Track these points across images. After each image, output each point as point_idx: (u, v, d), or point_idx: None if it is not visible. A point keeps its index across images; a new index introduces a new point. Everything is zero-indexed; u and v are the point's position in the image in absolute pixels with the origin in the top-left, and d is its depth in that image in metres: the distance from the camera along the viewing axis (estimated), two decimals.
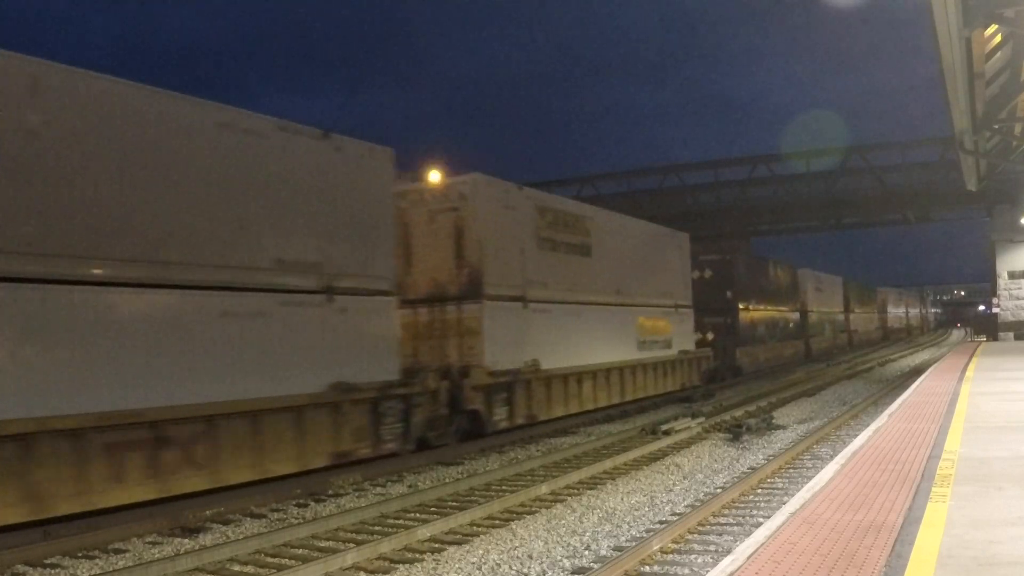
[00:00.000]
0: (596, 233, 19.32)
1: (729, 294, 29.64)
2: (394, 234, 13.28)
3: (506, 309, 15.50)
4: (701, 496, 10.41)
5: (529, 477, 11.84)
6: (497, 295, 15.26)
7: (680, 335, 24.07)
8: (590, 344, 18.49)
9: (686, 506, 9.88)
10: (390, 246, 13.08)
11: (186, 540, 8.91)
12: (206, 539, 8.93)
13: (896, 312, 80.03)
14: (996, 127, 19.54)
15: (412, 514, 9.82)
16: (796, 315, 39.75)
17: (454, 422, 14.16)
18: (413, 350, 14.88)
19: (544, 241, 17.08)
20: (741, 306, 30.47)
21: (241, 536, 8.89)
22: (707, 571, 5.67)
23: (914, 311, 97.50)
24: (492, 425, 14.86)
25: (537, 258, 16.76)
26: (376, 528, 9.16)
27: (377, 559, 7.92)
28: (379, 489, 11.44)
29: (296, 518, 9.85)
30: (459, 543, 8.43)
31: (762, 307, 33.60)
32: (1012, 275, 36.46)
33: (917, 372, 26.35)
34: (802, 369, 33.37)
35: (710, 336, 28.30)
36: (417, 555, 8.03)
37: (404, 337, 14.01)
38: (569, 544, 8.36)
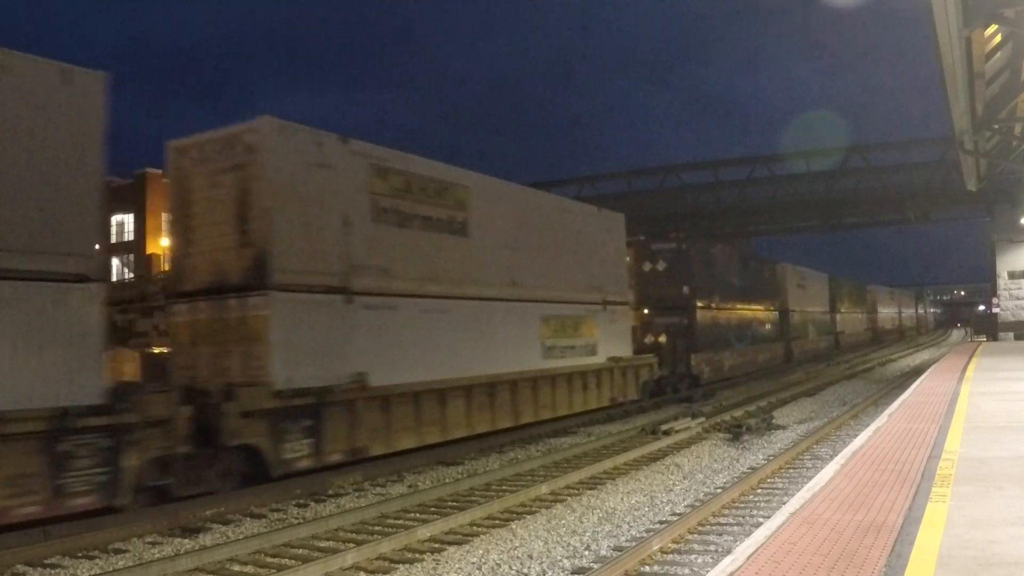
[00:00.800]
0: (477, 206, 15.17)
1: (686, 289, 25.66)
2: (99, 187, 9.48)
3: (313, 304, 11.63)
4: (701, 496, 10.41)
5: (529, 477, 11.84)
6: (295, 284, 11.38)
7: (610, 338, 19.84)
8: (463, 351, 14.38)
9: (686, 506, 9.88)
10: (94, 206, 9.32)
11: (186, 540, 8.91)
12: (206, 539, 8.93)
13: (888, 312, 74.14)
14: (996, 127, 19.54)
15: (412, 514, 9.82)
16: (774, 315, 35.76)
17: (217, 463, 10.37)
18: (190, 361, 11.74)
19: (385, 213, 13.01)
20: (700, 304, 26.43)
21: (241, 536, 8.90)
22: (707, 571, 5.67)
23: (908, 311, 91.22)
24: (283, 465, 10.90)
25: (372, 236, 12.72)
26: (376, 528, 9.16)
27: (377, 559, 7.92)
28: (379, 489, 11.44)
29: (296, 518, 9.85)
30: (459, 543, 8.43)
31: (729, 305, 29.51)
32: (1012, 275, 36.47)
33: (917, 372, 26.35)
34: (801, 369, 33.30)
35: (663, 339, 24.46)
36: (417, 555, 8.03)
37: (182, 343, 11.61)
38: (569, 544, 8.36)
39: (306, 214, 11.73)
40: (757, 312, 33.19)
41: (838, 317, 50.29)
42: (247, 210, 11.35)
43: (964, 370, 19.56)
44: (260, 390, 10.75)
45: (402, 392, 12.84)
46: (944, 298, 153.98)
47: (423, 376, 13.31)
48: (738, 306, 30.49)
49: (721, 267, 29.09)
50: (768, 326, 34.80)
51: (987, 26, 13.30)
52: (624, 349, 20.67)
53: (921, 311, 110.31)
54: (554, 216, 18.47)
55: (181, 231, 12.13)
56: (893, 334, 74.52)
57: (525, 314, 16.57)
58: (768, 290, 35.21)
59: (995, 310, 38.16)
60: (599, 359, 19.20)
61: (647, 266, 25.40)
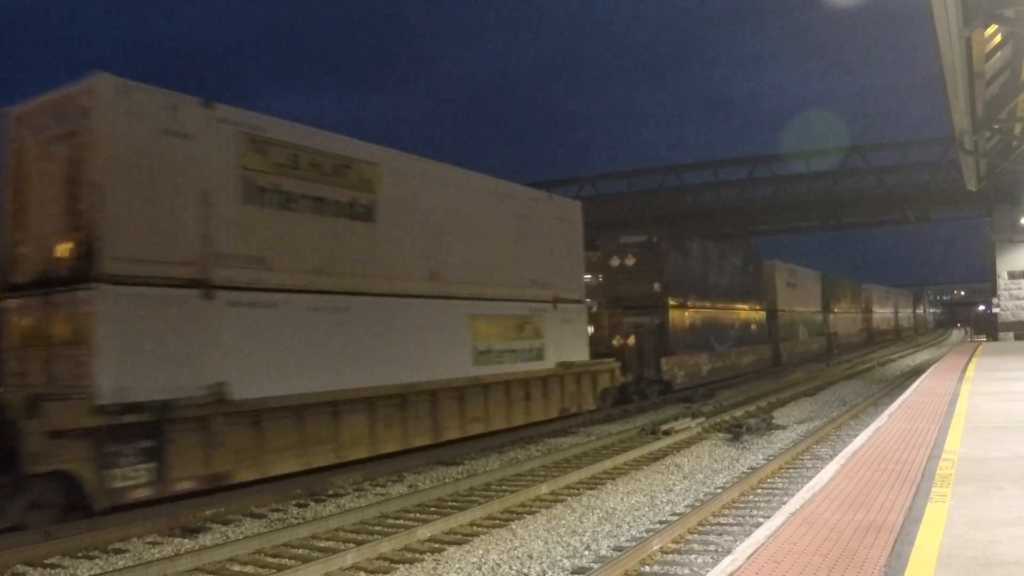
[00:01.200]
0: (388, 187, 13.24)
1: (657, 286, 23.59)
2: None
3: (158, 300, 9.76)
4: (701, 496, 10.41)
5: (529, 477, 11.84)
6: (133, 276, 9.53)
7: (562, 341, 17.80)
8: (366, 356, 12.50)
9: (686, 506, 9.88)
10: None
11: (186, 540, 8.91)
12: (206, 539, 8.93)
13: (884, 312, 71.06)
14: (996, 127, 19.54)
15: (412, 514, 9.82)
16: (761, 315, 33.88)
17: (22, 493, 8.64)
18: (20, 367, 10.02)
19: (262, 193, 11.13)
20: (673, 302, 24.28)
21: (241, 536, 8.90)
22: (707, 571, 5.67)
23: (905, 311, 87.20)
24: (110, 496, 9.07)
25: (243, 219, 10.86)
26: (376, 528, 9.16)
27: (377, 559, 7.92)
28: (379, 489, 11.44)
29: (296, 518, 9.85)
30: (459, 543, 8.43)
31: (708, 304, 27.45)
32: (1012, 275, 36.47)
33: (917, 372, 26.35)
34: (801, 369, 33.30)
35: (632, 341, 22.07)
36: (417, 555, 8.03)
37: (13, 345, 10.12)
38: (569, 544, 8.36)
39: (152, 192, 9.77)
40: (741, 312, 31.17)
41: (831, 318, 47.79)
42: (77, 186, 9.56)
43: (964, 370, 19.57)
44: (75, 404, 8.84)
45: (279, 406, 10.87)
46: (944, 298, 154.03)
47: (310, 387, 11.34)
48: (718, 305, 28.56)
49: (698, 262, 27.14)
50: (753, 327, 32.83)
51: (987, 26, 13.30)
52: (579, 353, 18.62)
53: (919, 311, 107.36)
54: (490, 201, 16.13)
55: (13, 213, 10.33)
56: (889, 335, 71.45)
57: (450, 313, 14.52)
58: (754, 288, 33.41)
59: (995, 310, 38.16)
60: (547, 364, 17.22)
61: (615, 261, 23.43)
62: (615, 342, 21.94)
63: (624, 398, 20.95)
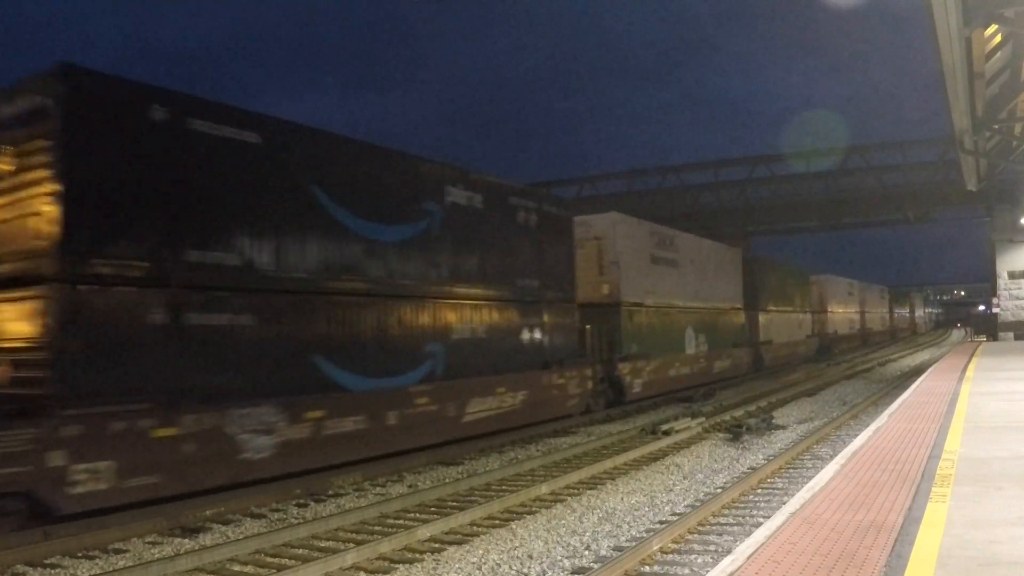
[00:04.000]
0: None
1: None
2: None
3: None
4: (701, 496, 10.41)
5: (529, 477, 11.83)
6: None
7: None
8: None
9: (686, 506, 9.88)
10: None
11: (186, 540, 8.90)
12: (206, 539, 8.93)
13: (847, 312, 54.49)
14: (996, 127, 19.57)
15: (412, 514, 9.82)
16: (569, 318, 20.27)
17: None
18: None
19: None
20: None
21: (241, 536, 8.89)
22: (707, 571, 5.67)
23: (876, 311, 67.17)
24: None
25: None
26: (376, 528, 9.16)
27: (377, 559, 7.92)
28: (379, 489, 11.44)
29: (296, 518, 9.85)
30: (459, 543, 8.43)
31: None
32: (1012, 275, 36.47)
33: (917, 372, 26.35)
34: (802, 369, 33.27)
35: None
36: (417, 555, 8.03)
37: None
38: (569, 544, 8.36)
39: None
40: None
41: (761, 319, 33.53)
42: None
43: (964, 370, 19.57)
44: None
45: None
46: (944, 298, 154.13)
47: None
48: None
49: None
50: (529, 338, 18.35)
51: (987, 26, 13.32)
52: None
53: (902, 311, 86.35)
54: None
55: None
56: (854, 341, 54.95)
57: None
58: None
59: (995, 310, 38.17)
60: None
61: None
62: None
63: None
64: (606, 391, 19.94)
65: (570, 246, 18.56)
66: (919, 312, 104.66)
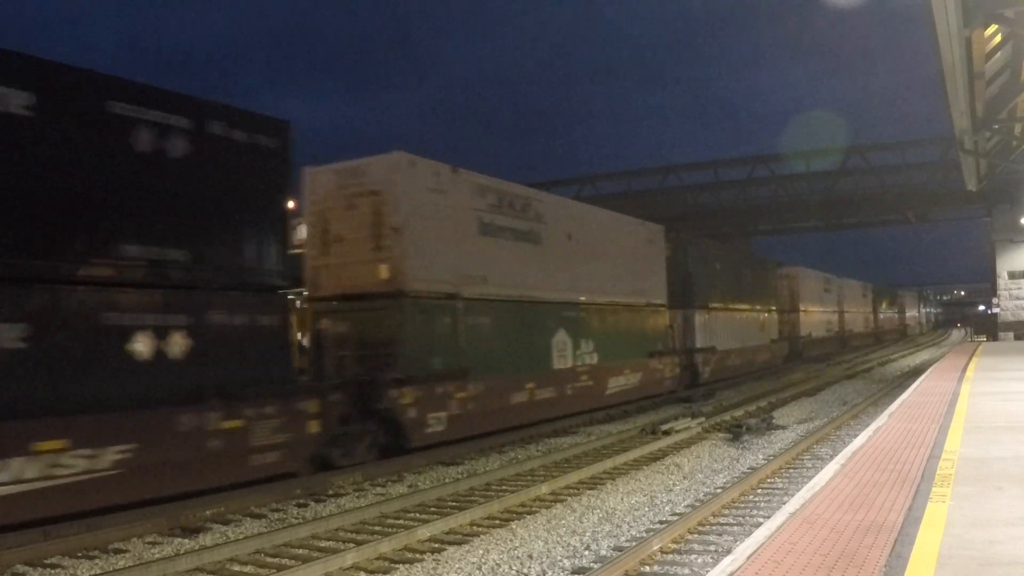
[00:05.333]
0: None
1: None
2: None
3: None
4: (701, 496, 10.41)
5: (529, 477, 11.83)
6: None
7: None
8: None
9: (686, 506, 9.88)
10: None
11: (186, 540, 8.90)
12: (206, 539, 8.93)
13: (825, 313, 46.64)
14: (996, 127, 19.57)
15: (412, 514, 9.82)
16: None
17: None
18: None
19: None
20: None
21: (241, 536, 8.89)
22: (707, 571, 5.67)
23: (858, 311, 57.81)
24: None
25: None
26: (376, 528, 9.16)
27: (377, 559, 7.92)
28: (379, 489, 11.44)
29: (296, 518, 9.85)
30: (459, 543, 8.43)
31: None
32: (1012, 275, 36.49)
33: (917, 372, 26.35)
34: (802, 369, 33.24)
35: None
36: (417, 555, 8.03)
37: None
38: (569, 544, 8.36)
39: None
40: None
41: (699, 320, 25.47)
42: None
43: (964, 370, 19.57)
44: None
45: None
46: (944, 298, 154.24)
47: None
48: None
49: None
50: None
51: (987, 26, 13.32)
52: None
53: (889, 312, 75.04)
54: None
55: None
56: (831, 345, 46.72)
57: None
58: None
59: (995, 310, 38.19)
60: None
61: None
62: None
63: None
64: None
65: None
66: (910, 313, 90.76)
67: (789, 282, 39.46)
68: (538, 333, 16.83)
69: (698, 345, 25.24)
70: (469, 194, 14.96)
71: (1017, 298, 36.46)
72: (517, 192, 16.64)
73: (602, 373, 19.05)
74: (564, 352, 17.63)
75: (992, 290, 38.56)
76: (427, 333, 13.71)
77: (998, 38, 14.72)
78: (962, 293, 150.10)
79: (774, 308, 34.95)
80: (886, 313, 71.57)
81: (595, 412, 18.41)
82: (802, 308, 40.74)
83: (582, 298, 18.62)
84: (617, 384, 19.83)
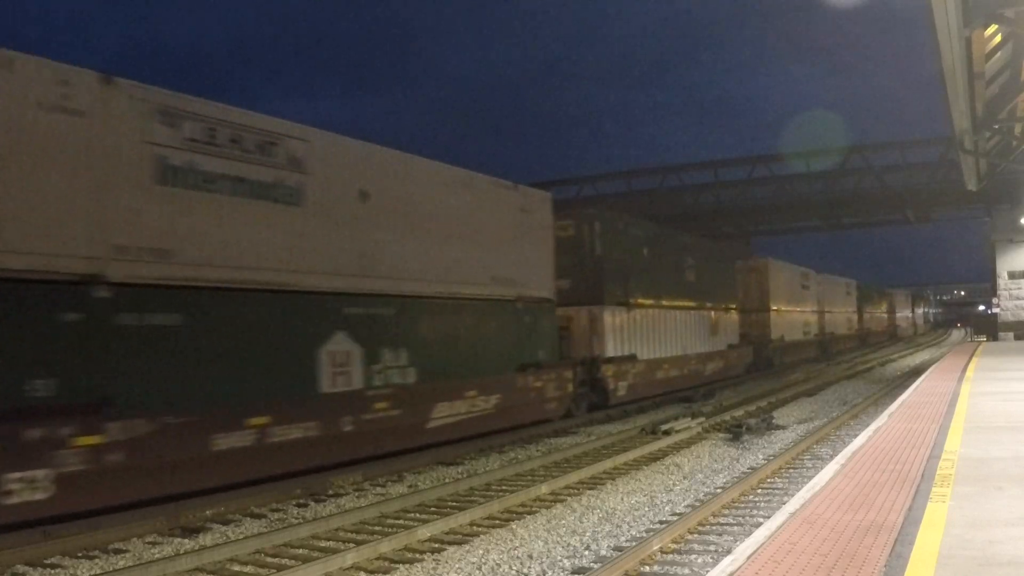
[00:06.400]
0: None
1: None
2: None
3: None
4: (701, 496, 10.41)
5: (529, 477, 11.84)
6: None
7: None
8: None
9: (686, 506, 9.88)
10: None
11: (186, 540, 8.91)
12: (206, 539, 8.93)
13: (802, 313, 39.47)
14: (996, 127, 19.55)
15: (412, 514, 9.82)
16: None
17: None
18: None
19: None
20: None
21: (241, 536, 8.89)
22: (707, 571, 5.67)
23: (841, 312, 50.12)
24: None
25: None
26: (376, 528, 9.16)
27: (377, 559, 7.92)
28: (379, 489, 11.44)
29: (296, 518, 9.85)
30: (459, 543, 8.43)
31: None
32: (1012, 275, 36.49)
33: (917, 372, 26.35)
34: (802, 369, 33.20)
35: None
36: (417, 555, 8.03)
37: None
38: (569, 544, 8.36)
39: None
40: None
41: (608, 321, 19.75)
42: None
43: (964, 370, 19.57)
44: None
45: None
46: (944, 298, 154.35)
47: None
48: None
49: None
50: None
51: (987, 26, 13.30)
52: None
53: (876, 312, 67.68)
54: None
55: None
56: (809, 350, 40.32)
57: None
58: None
59: (995, 310, 38.18)
60: None
61: None
62: None
63: None
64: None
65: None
66: (901, 313, 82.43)
67: (758, 276, 33.26)
68: (289, 339, 11.28)
69: (609, 354, 19.40)
70: (138, 119, 9.67)
71: (1017, 298, 36.46)
72: (250, 124, 11.00)
73: (422, 397, 13.29)
74: (346, 368, 12.03)
75: (992, 290, 38.57)
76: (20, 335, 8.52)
77: (998, 38, 14.71)
78: (962, 293, 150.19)
79: (734, 307, 29.48)
80: (873, 313, 64.97)
81: (596, 410, 17.62)
82: (774, 307, 34.04)
83: (385, 288, 12.83)
84: (453, 412, 13.92)
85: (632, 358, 20.66)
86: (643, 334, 21.41)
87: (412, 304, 13.53)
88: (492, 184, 16.04)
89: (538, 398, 16.54)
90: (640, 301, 21.42)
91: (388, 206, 13.05)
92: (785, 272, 36.81)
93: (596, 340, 19.35)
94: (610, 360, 19.55)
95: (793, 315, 37.76)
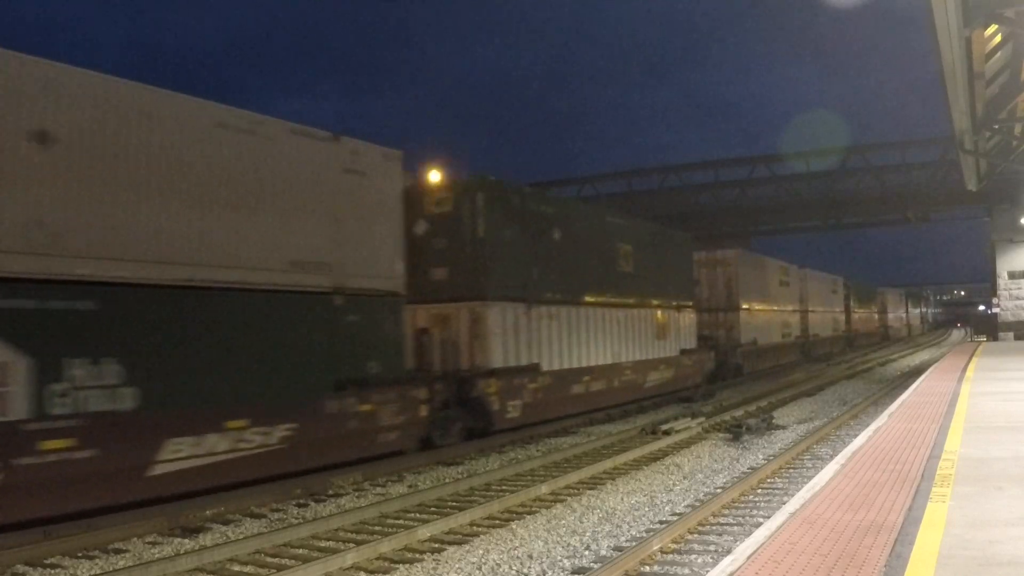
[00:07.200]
0: None
1: None
2: None
3: None
4: (701, 496, 10.41)
5: (529, 477, 11.83)
6: None
7: None
8: None
9: (686, 506, 9.88)
10: None
11: (186, 540, 8.90)
12: (206, 539, 8.93)
13: (781, 311, 35.68)
14: (996, 127, 19.57)
15: (412, 514, 9.82)
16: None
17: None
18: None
19: None
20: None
21: (241, 536, 8.89)
22: (707, 571, 5.67)
23: (827, 312, 46.26)
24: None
25: None
26: (376, 528, 9.16)
27: (377, 559, 7.92)
28: (379, 489, 11.44)
29: (296, 518, 9.85)
30: (459, 543, 8.43)
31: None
32: (1012, 275, 36.48)
33: (917, 372, 26.35)
34: (802, 369, 33.17)
35: None
36: (417, 555, 8.03)
37: None
38: (569, 544, 8.36)
39: None
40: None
41: (496, 323, 15.28)
42: None
43: (964, 370, 19.57)
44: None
45: None
46: (944, 298, 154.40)
47: None
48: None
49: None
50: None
51: (987, 26, 13.32)
52: None
53: (869, 314, 63.99)
54: None
55: None
56: (790, 354, 36.87)
57: None
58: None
59: (995, 310, 38.17)
60: None
61: None
62: None
63: None
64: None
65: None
66: (894, 313, 77.52)
67: (724, 271, 28.99)
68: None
69: (496, 364, 15.21)
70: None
71: (1017, 298, 36.45)
72: None
73: (140, 430, 9.25)
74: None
75: (992, 290, 38.55)
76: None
77: (998, 38, 14.72)
78: (962, 293, 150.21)
79: (690, 304, 24.84)
80: (862, 313, 59.87)
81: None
82: (744, 306, 29.71)
83: (81, 271, 8.89)
84: (199, 451, 9.78)
85: (533, 369, 16.19)
86: (552, 338, 16.95)
87: (130, 296, 9.29)
88: (293, 133, 11.54)
89: (365, 427, 12.02)
90: (547, 296, 16.94)
91: (94, 154, 9.05)
92: (758, 266, 32.64)
93: (478, 346, 15.07)
94: (494, 373, 15.03)
95: (769, 315, 33.24)
